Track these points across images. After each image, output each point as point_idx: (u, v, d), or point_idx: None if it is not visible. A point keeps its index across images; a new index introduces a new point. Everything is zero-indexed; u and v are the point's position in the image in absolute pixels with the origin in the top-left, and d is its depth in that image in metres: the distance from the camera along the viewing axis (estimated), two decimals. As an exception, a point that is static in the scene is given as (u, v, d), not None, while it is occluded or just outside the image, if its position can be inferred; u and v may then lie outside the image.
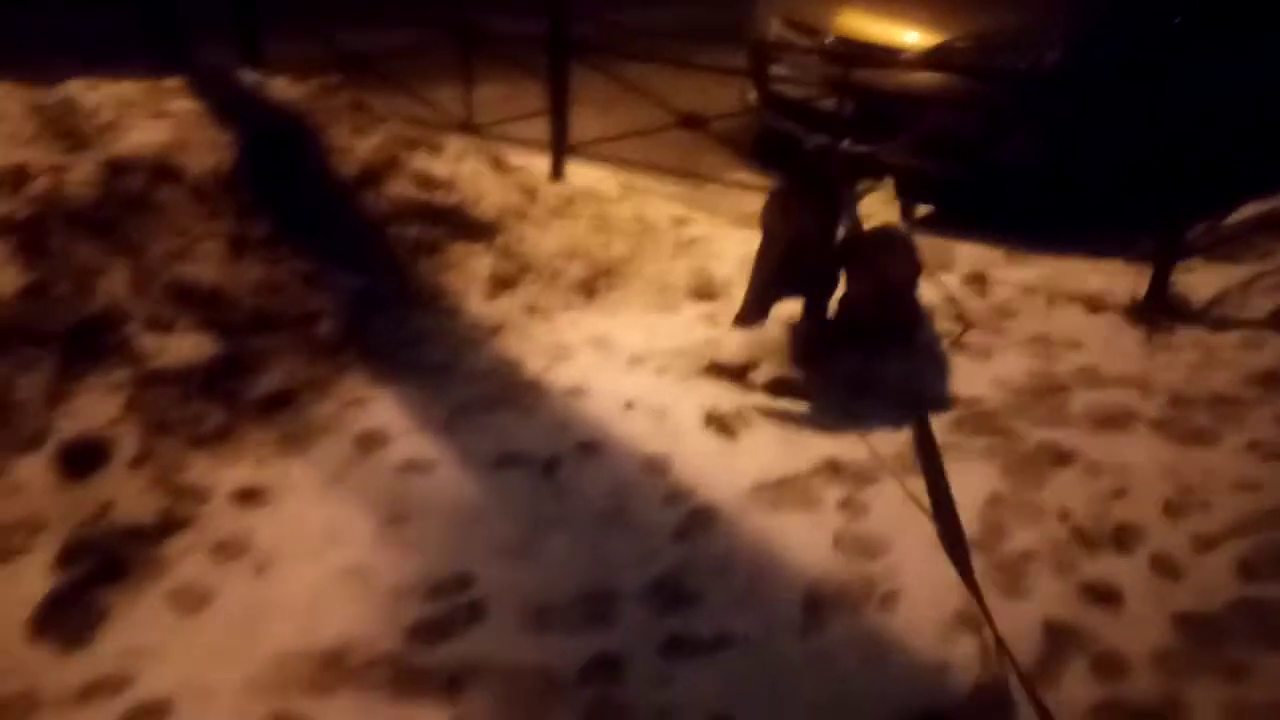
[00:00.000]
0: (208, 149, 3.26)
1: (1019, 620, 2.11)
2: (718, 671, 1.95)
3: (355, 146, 3.44)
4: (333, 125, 3.52)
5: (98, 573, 2.09)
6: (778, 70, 4.88)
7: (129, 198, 3.05)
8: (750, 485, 2.47)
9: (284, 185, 3.28)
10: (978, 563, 2.27)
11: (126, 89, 3.44)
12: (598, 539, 2.28)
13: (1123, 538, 2.38)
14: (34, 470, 2.29)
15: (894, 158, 4.24)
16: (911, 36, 4.38)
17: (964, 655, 2.02)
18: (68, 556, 2.10)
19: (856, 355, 2.92)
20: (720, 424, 2.69)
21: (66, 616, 2.00)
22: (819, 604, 2.12)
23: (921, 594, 2.17)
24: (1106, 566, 2.29)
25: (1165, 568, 2.29)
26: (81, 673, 1.89)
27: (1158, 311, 3.46)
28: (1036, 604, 2.17)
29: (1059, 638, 2.08)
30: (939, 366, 3.06)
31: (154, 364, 2.60)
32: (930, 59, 4.25)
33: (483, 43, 4.26)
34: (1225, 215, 4.00)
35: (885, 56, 4.34)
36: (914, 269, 3.04)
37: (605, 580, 2.16)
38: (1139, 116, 3.94)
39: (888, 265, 2.97)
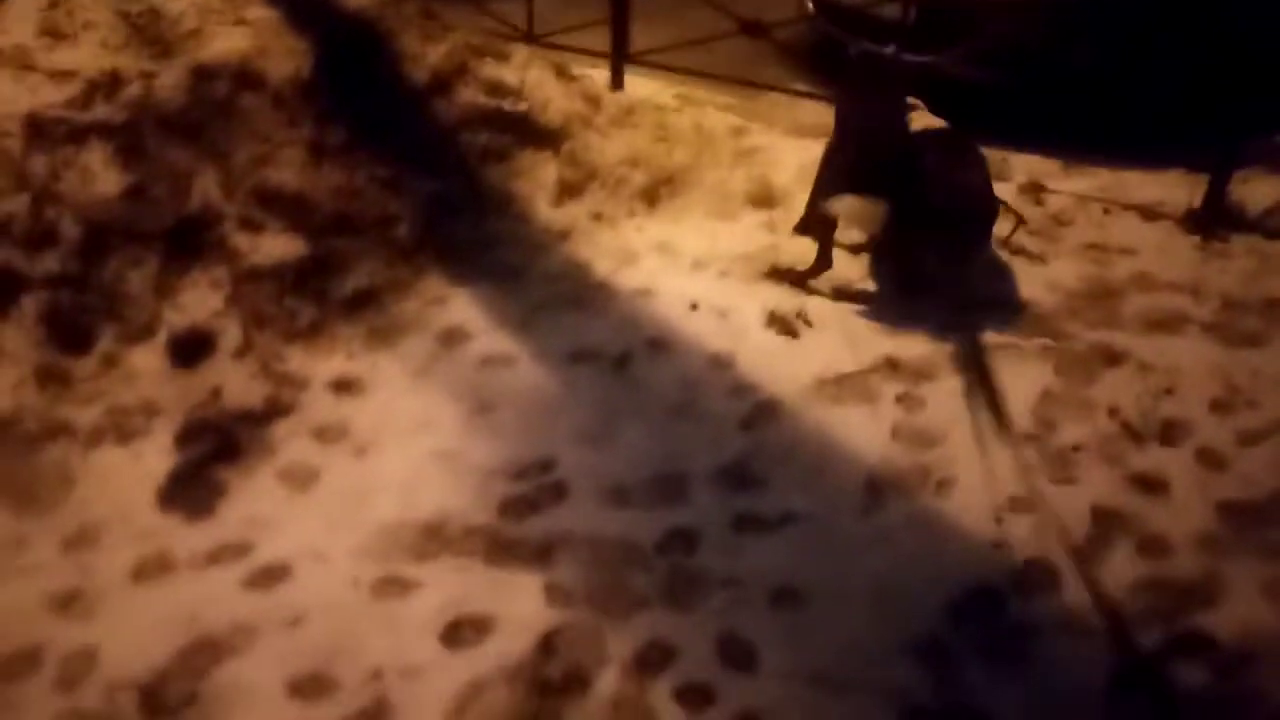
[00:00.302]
0: (286, 56, 3.37)
1: (1069, 504, 2.24)
2: (784, 545, 2.12)
3: (426, 54, 3.52)
4: (403, 33, 3.59)
5: (214, 452, 2.29)
6: (835, -24, 4.82)
7: (215, 103, 3.18)
8: (812, 380, 2.60)
9: (359, 92, 3.39)
10: (1029, 453, 2.39)
11: (210, -4, 3.54)
12: (669, 428, 2.44)
13: (1170, 432, 2.48)
14: (147, 359, 2.49)
15: (952, 68, 4.25)
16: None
17: (1015, 536, 2.16)
18: (186, 437, 2.30)
19: (928, 257, 2.99)
20: (782, 324, 2.81)
21: (190, 490, 2.21)
22: (878, 487, 2.27)
23: (974, 481, 2.30)
24: (1154, 458, 2.40)
25: (1211, 460, 2.39)
26: (208, 538, 2.10)
27: (1213, 220, 3.48)
28: (1085, 490, 2.29)
29: (1107, 521, 2.21)
30: (996, 270, 3.13)
31: (249, 262, 2.77)
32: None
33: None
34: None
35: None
36: (984, 168, 3.09)
37: (678, 464, 2.32)
38: (1203, 24, 3.89)
39: (961, 165, 3.02)
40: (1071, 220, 3.53)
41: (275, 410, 2.42)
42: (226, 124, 3.16)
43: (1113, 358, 2.75)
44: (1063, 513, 2.23)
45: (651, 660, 1.86)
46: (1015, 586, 2.06)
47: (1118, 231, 3.46)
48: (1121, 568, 2.11)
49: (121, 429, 2.32)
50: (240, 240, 2.82)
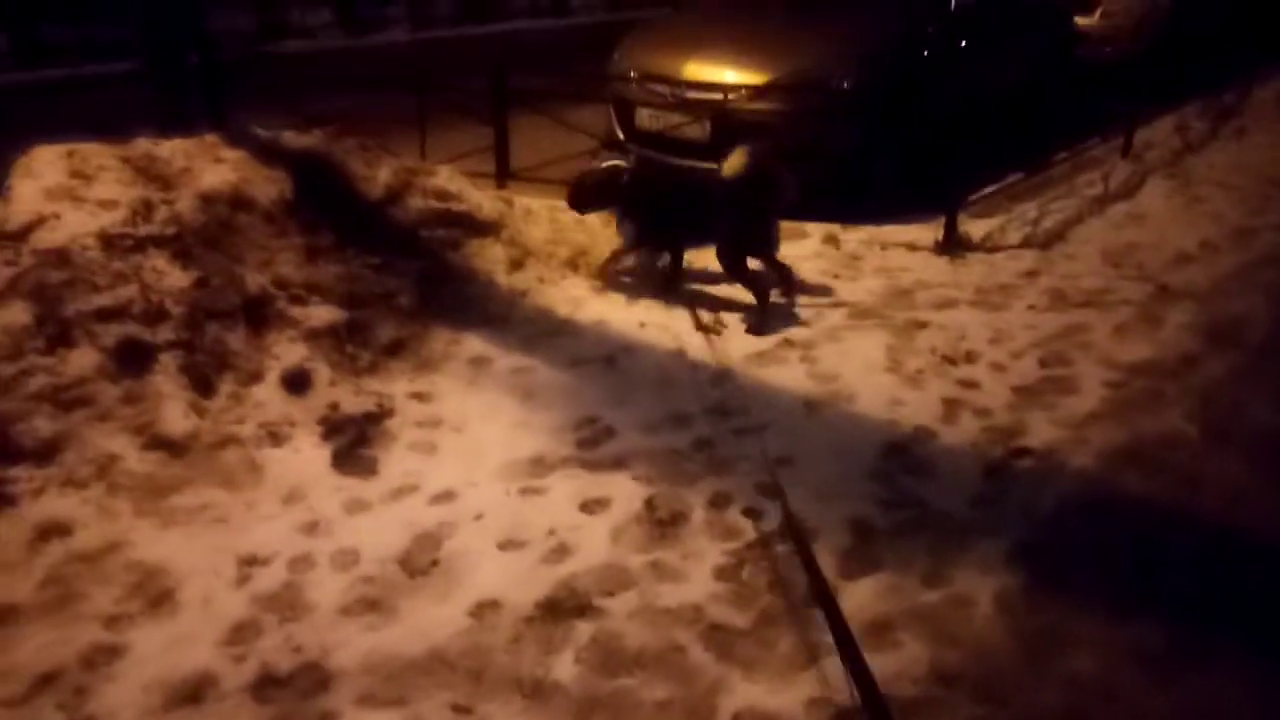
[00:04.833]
0: (267, 183, 4.18)
1: (925, 403, 3.49)
2: (770, 439, 3.19)
3: (375, 175, 4.45)
4: (350, 161, 4.50)
5: (355, 440, 3.05)
6: (642, 111, 6.24)
7: (219, 222, 3.94)
8: (742, 356, 3.75)
9: (331, 206, 4.25)
10: (891, 378, 3.64)
11: (183, 144, 4.28)
12: (663, 392, 3.48)
13: (970, 357, 3.84)
14: (267, 392, 3.20)
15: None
16: (747, 77, 5.88)
17: (903, 416, 3.37)
18: (329, 434, 3.05)
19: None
20: (707, 329, 3.95)
21: (352, 464, 2.96)
22: (813, 404, 3.42)
23: (868, 395, 3.51)
24: (966, 372, 3.73)
25: (998, 368, 3.76)
26: (385, 486, 2.87)
27: (953, 246, 5.07)
28: (932, 393, 3.56)
29: (950, 406, 3.48)
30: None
31: (308, 325, 3.54)
32: (763, 91, 5.75)
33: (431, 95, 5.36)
34: (984, 187, 5.72)
35: (731, 92, 5.80)
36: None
37: (680, 409, 3.36)
38: (915, 119, 5.62)
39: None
40: (862, 256, 4.99)
41: (384, 413, 3.21)
42: (230, 237, 3.92)
43: (921, 325, 4.12)
44: (923, 407, 3.47)
45: (719, 502, 2.85)
46: (912, 440, 3.24)
47: (895, 260, 4.96)
48: (967, 425, 3.37)
49: (275, 436, 3.02)
50: (295, 311, 3.58)
